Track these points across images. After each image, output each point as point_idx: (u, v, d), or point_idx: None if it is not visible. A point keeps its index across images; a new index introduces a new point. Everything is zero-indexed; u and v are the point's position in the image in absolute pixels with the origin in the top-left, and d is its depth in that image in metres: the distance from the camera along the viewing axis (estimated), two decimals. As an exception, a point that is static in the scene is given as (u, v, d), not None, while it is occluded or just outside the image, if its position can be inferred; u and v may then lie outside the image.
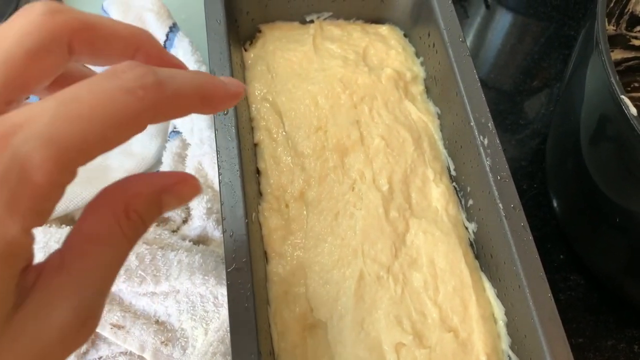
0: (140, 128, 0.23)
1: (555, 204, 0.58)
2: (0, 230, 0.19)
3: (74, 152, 0.20)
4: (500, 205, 0.44)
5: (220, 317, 0.48)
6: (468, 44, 0.72)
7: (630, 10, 0.58)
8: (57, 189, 0.21)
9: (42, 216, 0.21)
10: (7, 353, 0.20)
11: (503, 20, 0.76)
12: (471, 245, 0.49)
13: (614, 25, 0.59)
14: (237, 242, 0.41)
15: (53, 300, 0.22)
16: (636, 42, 0.61)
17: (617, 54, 0.62)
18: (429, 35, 0.54)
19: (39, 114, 0.20)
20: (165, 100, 0.24)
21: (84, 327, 0.22)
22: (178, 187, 0.27)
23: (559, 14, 0.75)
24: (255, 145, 0.52)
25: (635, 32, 0.60)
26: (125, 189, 0.25)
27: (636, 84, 0.64)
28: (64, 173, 0.20)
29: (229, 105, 0.28)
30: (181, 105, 0.25)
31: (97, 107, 0.21)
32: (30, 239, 0.21)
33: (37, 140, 0.20)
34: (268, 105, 0.52)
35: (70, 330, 0.22)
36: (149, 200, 0.26)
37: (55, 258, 0.23)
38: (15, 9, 0.60)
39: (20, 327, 0.21)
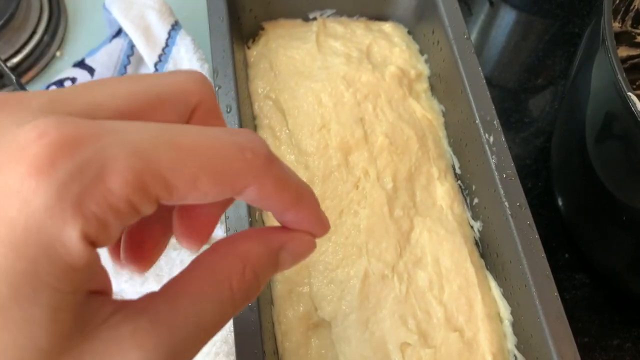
0: (231, 190, 0.20)
1: (560, 203, 0.57)
2: (58, 228, 0.17)
3: (159, 177, 0.18)
4: (506, 203, 0.43)
5: (224, 316, 0.47)
6: (472, 41, 0.72)
7: (636, 8, 0.57)
8: (127, 207, 0.18)
9: (104, 230, 0.17)
10: None
11: (507, 17, 0.75)
12: (476, 244, 0.49)
13: (619, 23, 0.58)
14: (241, 241, 0.41)
15: (122, 344, 0.19)
16: (642, 39, 0.60)
17: (623, 52, 0.61)
18: (433, 32, 0.54)
19: (139, 129, 0.18)
20: (269, 176, 0.21)
21: None
22: (294, 244, 0.25)
23: (563, 12, 0.75)
24: (259, 143, 0.51)
25: (641, 29, 0.59)
26: (244, 245, 0.23)
27: (641, 82, 0.63)
28: (140, 194, 0.18)
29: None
30: (278, 196, 0.22)
31: (200, 145, 0.19)
32: (91, 253, 0.17)
33: (127, 148, 0.18)
34: (271, 103, 0.52)
35: None
36: (267, 259, 0.23)
37: (144, 300, 0.20)
38: (17, 5, 0.60)
39: None
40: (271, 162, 0.21)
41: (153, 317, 0.19)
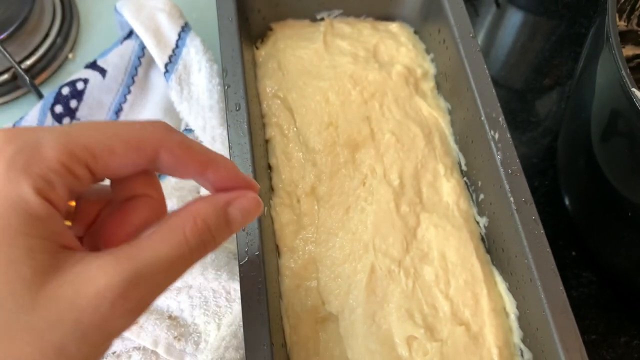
0: (144, 156, 0.28)
1: (566, 201, 0.58)
2: (15, 188, 0.23)
3: (82, 146, 0.25)
4: (512, 199, 0.44)
5: (233, 311, 0.48)
6: (478, 42, 0.73)
7: (642, 7, 0.57)
8: (62, 168, 0.24)
9: (51, 187, 0.24)
10: (44, 313, 0.23)
11: (513, 18, 0.76)
12: (482, 239, 0.49)
13: (624, 22, 0.58)
14: (250, 236, 0.42)
15: (91, 274, 0.24)
16: (647, 39, 0.61)
17: (629, 50, 0.62)
18: (439, 31, 0.55)
19: (66, 125, 0.28)
20: (172, 140, 0.28)
21: (120, 305, 0.24)
22: (239, 201, 0.30)
23: (569, 12, 0.75)
24: (267, 141, 0.52)
25: (647, 28, 0.60)
26: (194, 204, 0.29)
27: (648, 81, 0.63)
28: (70, 158, 0.25)
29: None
30: (188, 158, 0.29)
31: (113, 126, 0.27)
32: (48, 207, 0.24)
33: (56, 132, 0.25)
34: (279, 102, 0.53)
35: (107, 302, 0.23)
36: (215, 211, 0.29)
37: (111, 248, 0.26)
38: (31, 10, 0.61)
39: (55, 292, 0.23)
40: (171, 131, 0.28)
41: (117, 254, 0.25)
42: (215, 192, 0.31)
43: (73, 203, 0.30)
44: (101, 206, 0.31)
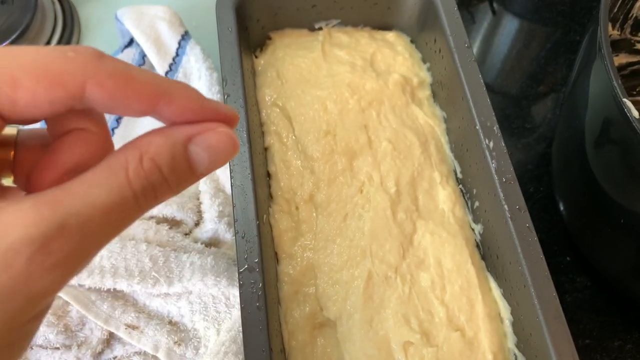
0: (64, 91, 0.21)
1: (561, 207, 0.58)
2: None
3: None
4: (506, 206, 0.45)
5: (232, 317, 0.49)
6: (475, 49, 0.74)
7: (635, 15, 0.58)
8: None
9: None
10: None
11: (509, 25, 0.77)
12: (477, 246, 0.50)
13: (618, 30, 0.59)
14: (249, 243, 0.42)
15: (2, 225, 0.19)
16: (641, 47, 0.62)
17: (622, 59, 0.62)
18: (435, 41, 0.56)
19: None
20: (102, 70, 0.22)
21: (40, 262, 0.20)
22: (205, 136, 0.24)
23: (564, 19, 0.76)
24: (266, 149, 0.53)
25: (640, 37, 0.61)
26: (144, 137, 0.23)
27: (641, 88, 0.64)
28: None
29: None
30: (127, 91, 0.22)
31: (20, 52, 0.21)
32: None
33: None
34: (278, 110, 0.54)
35: (23, 258, 0.19)
36: (168, 149, 0.23)
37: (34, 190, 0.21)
38: (32, 17, 0.62)
39: None
40: (101, 57, 0.21)
41: (38, 199, 0.20)
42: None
43: (11, 152, 0.24)
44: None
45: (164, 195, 0.23)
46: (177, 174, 0.23)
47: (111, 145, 0.25)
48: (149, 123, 0.60)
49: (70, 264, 0.21)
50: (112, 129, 0.60)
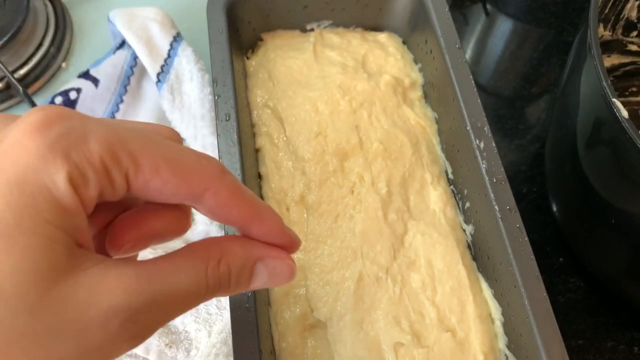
0: (187, 188, 0.25)
1: (554, 208, 0.58)
2: (50, 170, 0.21)
3: (128, 151, 0.23)
4: (496, 207, 0.45)
5: (223, 319, 0.49)
6: (468, 51, 0.74)
7: (626, 16, 0.58)
8: (101, 165, 0.22)
9: (84, 180, 0.22)
10: (48, 319, 0.20)
11: (503, 27, 0.77)
12: (468, 247, 0.50)
13: (609, 31, 0.59)
14: (239, 244, 0.42)
15: (108, 283, 0.22)
16: (633, 47, 0.62)
17: (614, 59, 0.63)
18: (426, 42, 0.56)
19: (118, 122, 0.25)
20: (223, 181, 0.26)
21: (128, 329, 0.22)
22: (271, 260, 0.28)
23: (557, 20, 0.76)
24: (257, 150, 0.53)
25: (632, 37, 0.61)
26: (228, 242, 0.26)
27: (634, 89, 0.64)
28: (111, 157, 0.22)
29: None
30: (235, 204, 0.26)
31: (165, 144, 0.24)
32: (76, 199, 0.22)
33: (105, 126, 0.23)
34: (269, 111, 0.54)
35: (118, 322, 0.21)
36: (242, 260, 0.26)
37: (131, 260, 0.24)
38: (24, 19, 0.62)
39: (67, 294, 0.21)
40: (225, 172, 0.26)
41: (137, 268, 0.23)
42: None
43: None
44: (118, 212, 0.28)
45: (222, 294, 0.26)
46: (239, 282, 0.27)
47: (189, 222, 0.28)
48: (147, 113, 0.61)
49: (144, 335, 0.23)
50: (113, 113, 0.60)
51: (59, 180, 0.21)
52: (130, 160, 0.23)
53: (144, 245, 0.27)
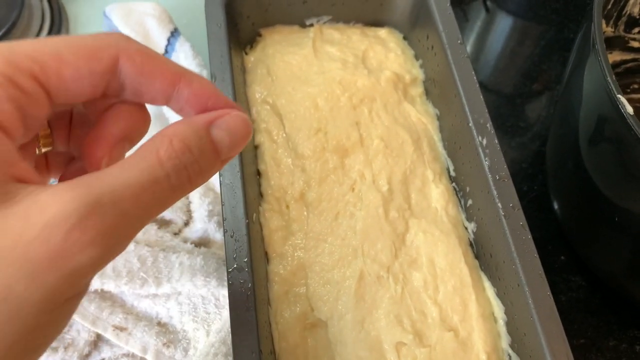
0: (99, 63, 0.24)
1: (555, 206, 0.58)
2: None
3: (26, 55, 0.22)
4: (499, 204, 0.44)
5: (222, 318, 0.48)
6: (468, 48, 0.73)
7: (628, 12, 0.58)
8: (7, 82, 0.21)
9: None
10: None
11: (503, 23, 0.76)
12: (471, 245, 0.49)
13: (612, 27, 0.59)
14: (238, 242, 0.42)
15: (41, 203, 0.20)
16: (635, 44, 0.61)
17: (616, 56, 0.62)
18: (427, 37, 0.55)
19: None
20: (132, 46, 0.25)
21: (77, 237, 0.20)
22: (223, 119, 0.26)
23: (558, 17, 0.76)
24: (256, 147, 0.52)
25: (634, 34, 0.60)
26: (170, 127, 0.25)
27: (635, 86, 0.64)
28: (13, 68, 0.22)
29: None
30: (154, 68, 0.25)
31: (60, 38, 0.24)
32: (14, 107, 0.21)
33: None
34: (268, 107, 0.53)
35: (60, 233, 0.20)
36: (194, 132, 0.24)
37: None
38: (19, 14, 0.61)
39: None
40: (128, 39, 0.25)
41: (74, 182, 0.21)
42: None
43: (47, 130, 0.27)
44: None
45: (196, 177, 0.24)
46: (206, 155, 0.24)
47: (149, 117, 0.27)
48: None
49: (106, 242, 0.21)
50: None
51: None
52: (30, 61, 0.22)
53: (120, 153, 0.26)
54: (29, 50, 0.22)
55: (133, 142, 0.27)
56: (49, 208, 0.20)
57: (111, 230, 0.21)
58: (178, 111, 0.27)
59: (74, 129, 0.28)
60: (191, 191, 0.25)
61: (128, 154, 0.25)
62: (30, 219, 0.20)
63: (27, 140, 0.24)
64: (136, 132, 0.27)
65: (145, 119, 0.27)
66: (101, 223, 0.21)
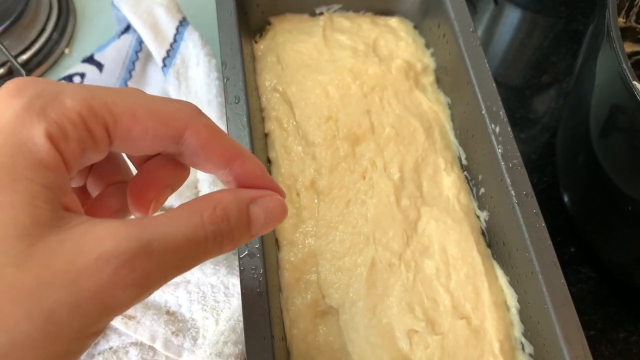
0: (167, 129, 0.26)
1: (565, 197, 0.58)
2: (27, 129, 0.21)
3: (103, 103, 0.23)
4: (513, 192, 0.44)
5: (231, 306, 0.48)
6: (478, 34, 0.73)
7: (640, 3, 0.57)
8: (79, 119, 0.22)
9: (64, 135, 0.22)
10: (36, 270, 0.20)
11: (511, 16, 0.76)
12: (483, 233, 0.49)
13: (623, 18, 0.58)
14: (249, 228, 0.41)
15: (96, 234, 0.21)
16: (646, 35, 0.61)
17: (627, 47, 0.62)
18: (439, 26, 0.55)
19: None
20: (201, 120, 0.26)
21: (124, 275, 0.21)
22: (264, 200, 0.28)
23: (567, 9, 0.75)
24: (266, 135, 0.52)
25: (645, 25, 0.60)
26: (217, 194, 0.26)
27: (646, 77, 0.63)
28: (88, 111, 0.23)
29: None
30: (216, 143, 0.27)
31: (138, 93, 0.25)
32: (57, 155, 0.22)
33: (78, 86, 0.24)
34: (278, 95, 0.53)
35: (111, 268, 0.21)
36: (236, 204, 0.26)
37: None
38: (26, 4, 0.61)
39: (53, 248, 0.20)
40: (201, 113, 0.27)
41: (127, 222, 0.22)
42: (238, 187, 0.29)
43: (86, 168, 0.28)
44: (112, 181, 0.29)
45: (227, 243, 0.26)
46: (239, 226, 0.26)
47: (189, 168, 0.29)
48: (157, 83, 0.60)
49: (145, 284, 0.22)
50: (125, 81, 0.60)
51: (36, 136, 0.21)
52: (106, 111, 0.23)
53: (164, 198, 0.28)
54: (108, 100, 0.24)
55: (174, 190, 0.29)
56: (104, 241, 0.21)
57: (153, 276, 0.22)
58: (224, 182, 0.29)
59: (98, 167, 0.29)
60: (219, 255, 0.27)
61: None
62: (84, 248, 0.21)
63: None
64: (178, 181, 0.29)
65: (186, 169, 0.29)
66: (147, 266, 0.22)
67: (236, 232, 0.26)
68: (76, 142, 0.22)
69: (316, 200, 0.48)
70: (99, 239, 0.21)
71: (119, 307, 0.22)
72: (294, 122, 0.51)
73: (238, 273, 0.40)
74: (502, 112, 0.47)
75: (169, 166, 0.28)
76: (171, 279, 0.24)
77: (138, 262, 0.21)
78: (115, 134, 0.24)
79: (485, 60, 0.49)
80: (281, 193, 0.30)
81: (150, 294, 0.23)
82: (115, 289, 0.21)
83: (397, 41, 0.56)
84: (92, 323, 0.21)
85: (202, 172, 0.53)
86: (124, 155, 0.30)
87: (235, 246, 0.27)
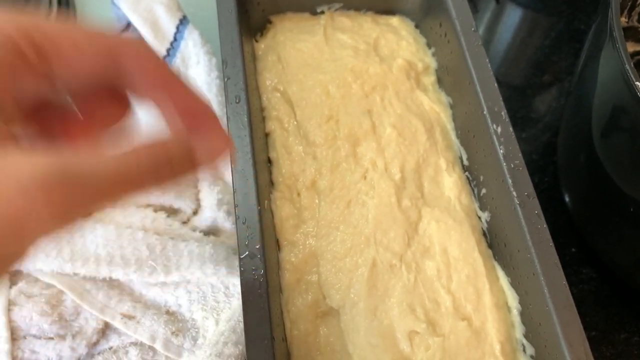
0: (104, 44, 0.24)
1: (566, 198, 0.57)
2: None
3: (37, 26, 0.23)
4: (514, 193, 0.44)
5: (232, 307, 0.47)
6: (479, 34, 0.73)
7: (643, 3, 0.57)
8: (11, 45, 0.22)
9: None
10: None
11: (513, 15, 0.75)
12: (484, 234, 0.49)
13: (625, 18, 0.58)
14: (250, 229, 0.41)
15: (15, 159, 0.21)
16: (648, 35, 0.60)
17: (630, 47, 0.61)
18: (440, 25, 0.54)
19: None
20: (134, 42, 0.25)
21: (41, 201, 0.21)
22: (206, 133, 0.27)
23: (568, 9, 0.75)
24: (267, 135, 0.52)
25: (647, 25, 0.60)
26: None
27: (648, 77, 0.63)
28: (25, 38, 0.22)
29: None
30: (153, 62, 0.26)
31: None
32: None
33: (15, 12, 0.23)
34: (279, 95, 0.52)
35: (28, 194, 0.20)
36: (177, 138, 0.26)
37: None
38: (26, 3, 0.60)
39: None
40: (144, 42, 0.25)
41: (51, 150, 0.22)
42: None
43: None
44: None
45: (165, 175, 0.24)
46: (180, 159, 0.25)
47: (131, 108, 0.28)
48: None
49: (64, 214, 0.21)
50: None
51: None
52: (42, 35, 0.23)
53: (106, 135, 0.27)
54: (46, 26, 0.23)
55: (116, 123, 0.28)
56: (20, 167, 0.20)
57: (73, 205, 0.21)
58: (167, 117, 0.27)
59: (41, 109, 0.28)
60: (156, 186, 0.25)
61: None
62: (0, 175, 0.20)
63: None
64: (118, 113, 0.28)
65: (127, 103, 0.28)
66: (66, 195, 0.21)
67: (176, 165, 0.25)
68: (5, 67, 0.22)
69: (317, 201, 0.48)
70: (16, 166, 0.20)
71: (33, 235, 0.21)
72: (295, 122, 0.51)
73: (238, 273, 0.40)
74: (503, 113, 0.47)
75: (110, 100, 0.27)
76: (99, 206, 0.23)
77: (56, 188, 0.21)
78: (52, 60, 0.23)
79: (487, 60, 0.49)
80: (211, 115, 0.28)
81: (73, 220, 0.22)
82: (32, 216, 0.20)
83: (399, 40, 0.56)
84: (3, 247, 0.21)
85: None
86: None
87: (174, 178, 0.25)
